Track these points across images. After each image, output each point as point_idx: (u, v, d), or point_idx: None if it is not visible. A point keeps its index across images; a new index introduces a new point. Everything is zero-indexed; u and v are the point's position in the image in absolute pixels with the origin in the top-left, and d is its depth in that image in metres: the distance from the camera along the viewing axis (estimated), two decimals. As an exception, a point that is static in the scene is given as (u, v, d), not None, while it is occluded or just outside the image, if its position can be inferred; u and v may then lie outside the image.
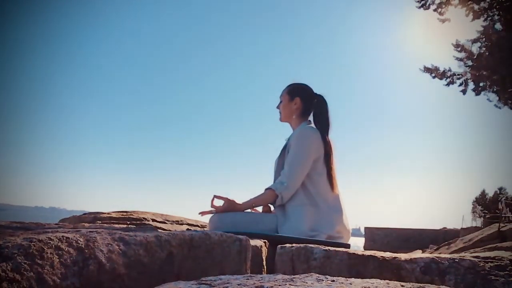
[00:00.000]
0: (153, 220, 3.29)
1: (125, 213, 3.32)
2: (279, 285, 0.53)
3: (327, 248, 0.98)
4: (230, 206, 1.68)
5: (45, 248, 0.59)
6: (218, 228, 1.60)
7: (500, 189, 32.16)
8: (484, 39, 9.74)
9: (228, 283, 0.56)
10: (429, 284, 0.55)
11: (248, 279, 0.59)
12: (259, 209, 1.84)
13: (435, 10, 9.99)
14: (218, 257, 0.89)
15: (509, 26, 8.96)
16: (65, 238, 0.63)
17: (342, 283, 0.55)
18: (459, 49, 10.24)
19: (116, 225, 2.73)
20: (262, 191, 1.70)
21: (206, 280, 0.59)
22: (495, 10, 9.35)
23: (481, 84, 10.32)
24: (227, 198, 1.68)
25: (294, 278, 0.60)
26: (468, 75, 10.33)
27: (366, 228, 24.29)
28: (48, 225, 1.38)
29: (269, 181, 1.83)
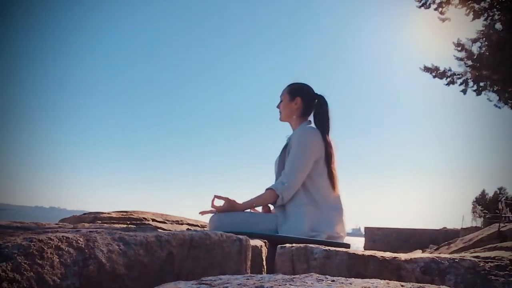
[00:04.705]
0: (153, 220, 3.29)
1: (125, 213, 3.32)
2: (279, 285, 0.53)
3: (327, 248, 0.98)
4: (230, 206, 1.68)
5: (45, 248, 0.59)
6: (218, 228, 1.60)
7: (500, 189, 32.14)
8: (484, 38, 9.74)
9: (228, 283, 0.56)
10: (429, 284, 0.55)
11: (248, 279, 0.59)
12: (259, 209, 1.84)
13: (435, 9, 9.99)
14: (218, 257, 0.89)
15: (509, 26, 8.95)
16: (65, 238, 0.63)
17: (342, 283, 0.55)
18: (459, 48, 10.24)
19: (116, 225, 2.72)
20: (263, 191, 1.70)
21: (206, 280, 0.59)
22: (495, 9, 9.34)
23: (481, 84, 10.31)
24: (227, 198, 1.68)
25: (294, 278, 0.60)
26: (468, 75, 10.33)
27: (366, 228, 24.27)
28: (48, 225, 1.38)
29: (269, 181, 1.83)
